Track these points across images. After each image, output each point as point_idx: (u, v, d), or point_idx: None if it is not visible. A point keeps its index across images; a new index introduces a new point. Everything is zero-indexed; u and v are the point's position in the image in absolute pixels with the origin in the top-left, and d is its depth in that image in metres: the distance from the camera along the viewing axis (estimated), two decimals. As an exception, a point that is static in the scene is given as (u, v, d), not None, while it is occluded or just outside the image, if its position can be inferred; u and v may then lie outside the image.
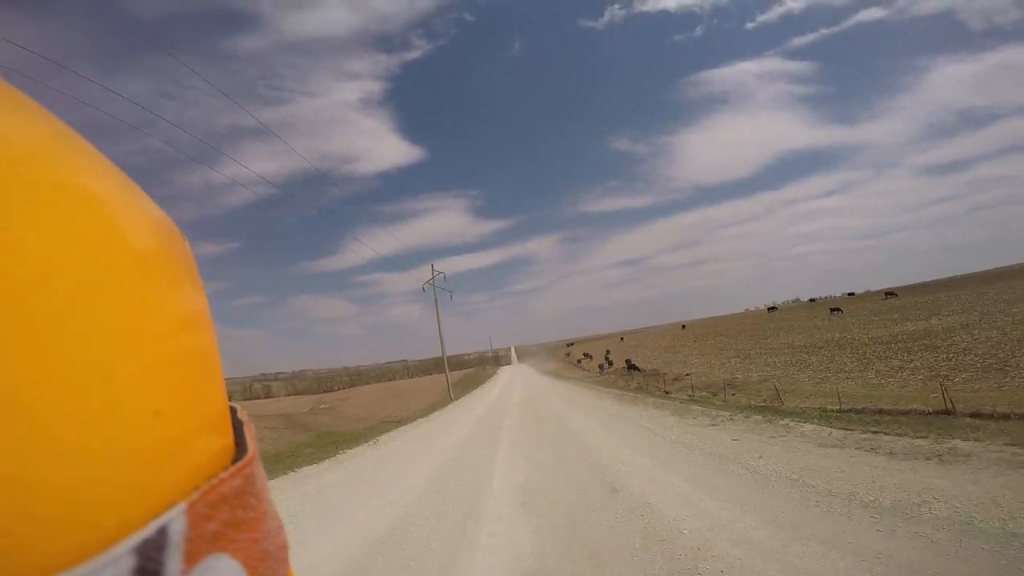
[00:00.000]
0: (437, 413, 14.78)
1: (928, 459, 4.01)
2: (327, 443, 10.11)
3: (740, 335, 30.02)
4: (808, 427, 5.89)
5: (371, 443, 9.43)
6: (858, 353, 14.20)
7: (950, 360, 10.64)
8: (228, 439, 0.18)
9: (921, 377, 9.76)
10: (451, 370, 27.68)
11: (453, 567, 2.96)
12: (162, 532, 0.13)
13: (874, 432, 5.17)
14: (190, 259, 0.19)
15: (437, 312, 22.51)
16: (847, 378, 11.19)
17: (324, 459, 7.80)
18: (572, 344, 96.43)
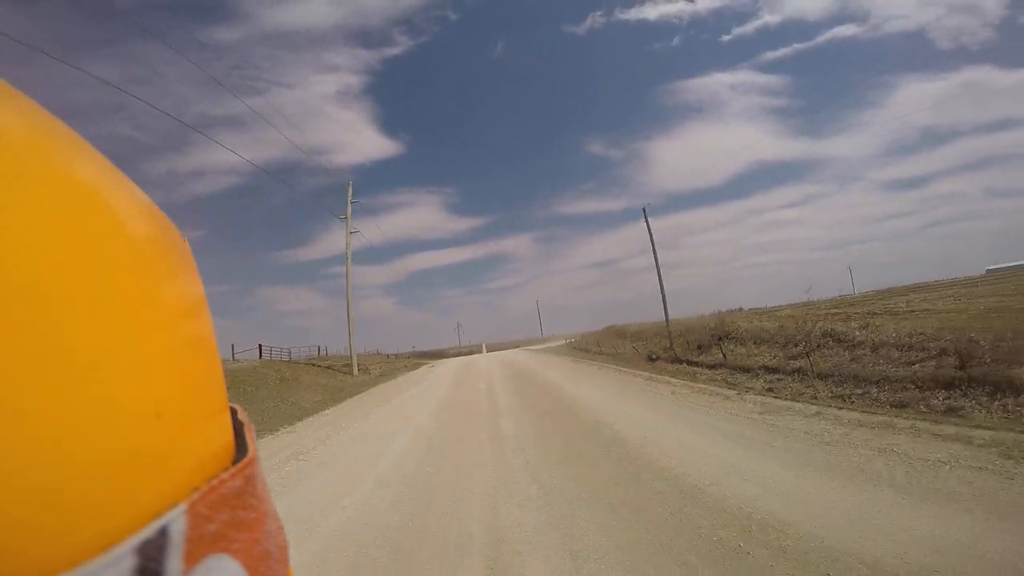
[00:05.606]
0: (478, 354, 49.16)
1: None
2: (432, 359, 43.55)
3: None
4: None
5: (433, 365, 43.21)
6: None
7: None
8: (228, 439, 0.18)
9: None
10: (436, 358, 60.98)
11: (490, 361, 36.78)
12: (163, 533, 0.13)
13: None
14: (187, 250, 0.19)
15: (459, 339, 56.33)
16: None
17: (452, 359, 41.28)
18: (518, 347, 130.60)
